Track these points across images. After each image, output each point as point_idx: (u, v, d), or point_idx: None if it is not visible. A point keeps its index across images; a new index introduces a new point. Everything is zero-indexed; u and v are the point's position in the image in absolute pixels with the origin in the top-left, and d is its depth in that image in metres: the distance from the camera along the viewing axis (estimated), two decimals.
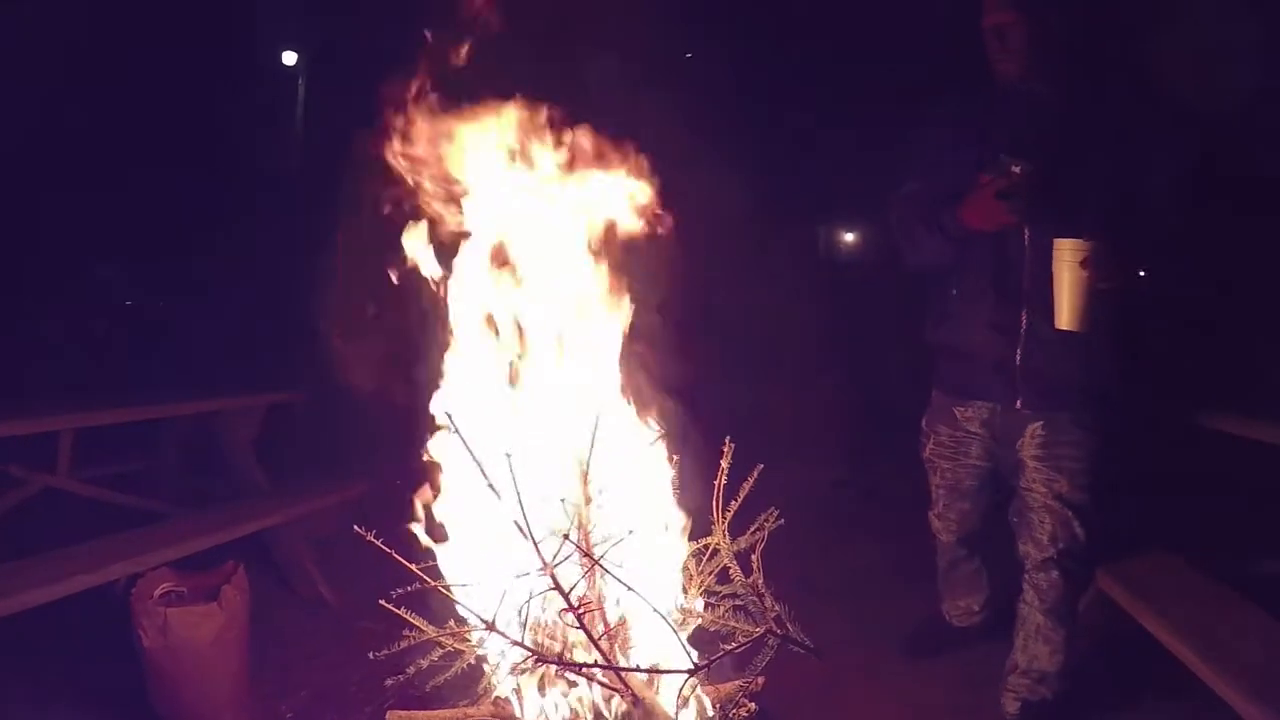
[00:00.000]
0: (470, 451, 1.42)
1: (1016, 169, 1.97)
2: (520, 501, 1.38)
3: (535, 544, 1.40)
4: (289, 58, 10.80)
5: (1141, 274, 1.99)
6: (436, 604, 1.73)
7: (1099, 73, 2.19)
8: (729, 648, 1.41)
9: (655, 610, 1.39)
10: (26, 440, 3.20)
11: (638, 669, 1.43)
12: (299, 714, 2.74)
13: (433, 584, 1.51)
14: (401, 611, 1.66)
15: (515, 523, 1.41)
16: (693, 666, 1.37)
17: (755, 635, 1.46)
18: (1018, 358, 2.20)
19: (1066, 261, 1.90)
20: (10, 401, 3.40)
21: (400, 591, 1.53)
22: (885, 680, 2.84)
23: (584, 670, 1.41)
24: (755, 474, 1.74)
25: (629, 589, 1.38)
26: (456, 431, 1.44)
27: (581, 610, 1.43)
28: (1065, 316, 1.93)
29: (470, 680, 1.77)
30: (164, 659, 2.48)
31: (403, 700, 1.82)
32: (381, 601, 1.70)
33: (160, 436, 4.07)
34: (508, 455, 1.37)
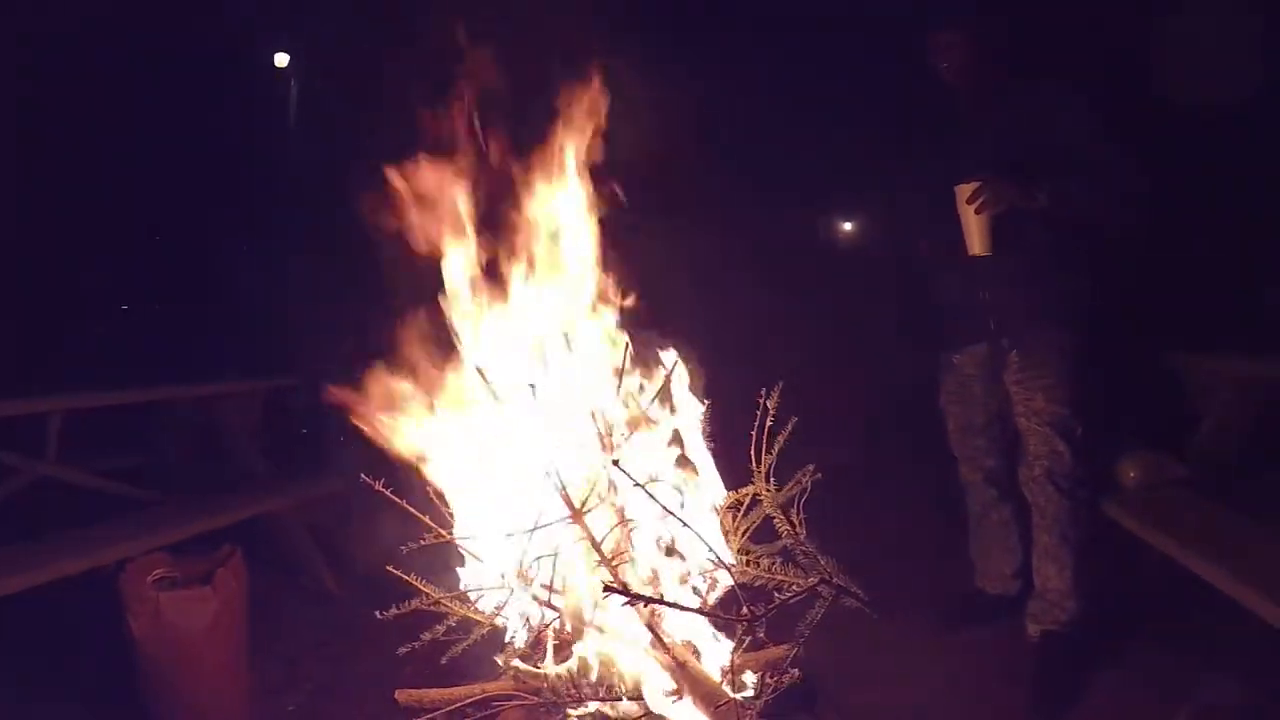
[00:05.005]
0: (489, 385, 1.28)
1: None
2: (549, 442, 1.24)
3: (563, 488, 1.25)
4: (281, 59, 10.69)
5: (1039, 199, 2.33)
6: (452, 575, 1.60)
7: (1023, 68, 2.63)
8: (784, 596, 1.26)
9: (713, 554, 1.24)
10: (23, 428, 3.05)
11: (695, 609, 1.28)
12: (302, 707, 2.60)
13: (446, 537, 1.36)
14: (409, 577, 1.54)
15: (537, 465, 1.27)
16: (749, 614, 1.23)
17: (809, 585, 1.31)
18: (986, 295, 2.60)
19: (961, 202, 2.34)
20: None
21: (408, 547, 1.39)
22: (919, 652, 2.71)
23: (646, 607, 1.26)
24: (790, 425, 1.63)
25: (690, 529, 1.23)
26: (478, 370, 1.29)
27: (616, 563, 1.29)
28: (973, 244, 2.36)
29: (484, 657, 1.64)
30: (155, 646, 2.32)
31: (413, 680, 1.70)
32: (389, 567, 1.58)
33: (159, 426, 3.91)
34: (531, 386, 1.22)
